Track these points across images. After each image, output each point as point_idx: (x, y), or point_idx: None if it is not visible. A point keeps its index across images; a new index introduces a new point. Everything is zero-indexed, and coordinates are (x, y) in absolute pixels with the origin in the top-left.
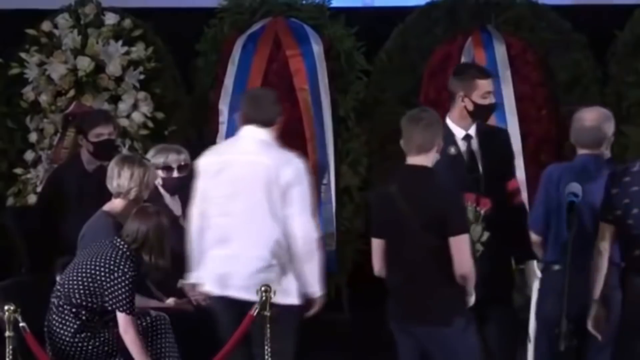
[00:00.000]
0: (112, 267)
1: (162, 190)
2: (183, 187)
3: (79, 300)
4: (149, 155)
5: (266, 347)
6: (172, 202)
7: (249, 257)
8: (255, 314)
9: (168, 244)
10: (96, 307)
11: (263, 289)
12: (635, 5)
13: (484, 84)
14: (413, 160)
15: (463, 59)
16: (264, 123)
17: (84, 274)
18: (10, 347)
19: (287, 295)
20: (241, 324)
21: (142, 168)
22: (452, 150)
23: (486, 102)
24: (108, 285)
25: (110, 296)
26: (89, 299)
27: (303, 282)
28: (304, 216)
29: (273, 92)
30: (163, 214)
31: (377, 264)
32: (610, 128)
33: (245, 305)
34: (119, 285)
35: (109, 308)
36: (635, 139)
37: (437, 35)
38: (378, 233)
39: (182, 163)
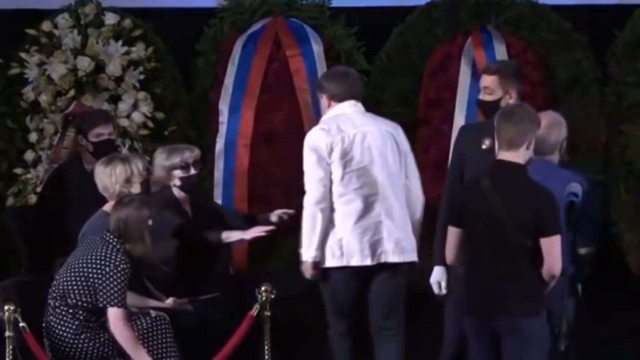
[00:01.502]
0: (103, 262)
1: (177, 192)
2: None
3: (74, 301)
4: (161, 157)
5: (266, 347)
6: (184, 204)
7: (397, 221)
8: (255, 314)
9: (147, 230)
10: (92, 307)
11: (263, 289)
12: (635, 5)
13: (482, 79)
14: (503, 155)
15: (463, 59)
16: (358, 97)
17: (77, 273)
18: (10, 347)
19: (413, 253)
20: (243, 322)
21: (120, 165)
22: (487, 143)
23: (481, 96)
24: (100, 281)
25: (102, 291)
26: (84, 299)
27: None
28: (418, 178)
29: (353, 70)
30: (144, 202)
31: (452, 253)
32: (560, 134)
33: (398, 267)
34: (111, 279)
35: (100, 305)
36: (635, 139)
37: (437, 35)
38: (459, 222)
39: (196, 159)
